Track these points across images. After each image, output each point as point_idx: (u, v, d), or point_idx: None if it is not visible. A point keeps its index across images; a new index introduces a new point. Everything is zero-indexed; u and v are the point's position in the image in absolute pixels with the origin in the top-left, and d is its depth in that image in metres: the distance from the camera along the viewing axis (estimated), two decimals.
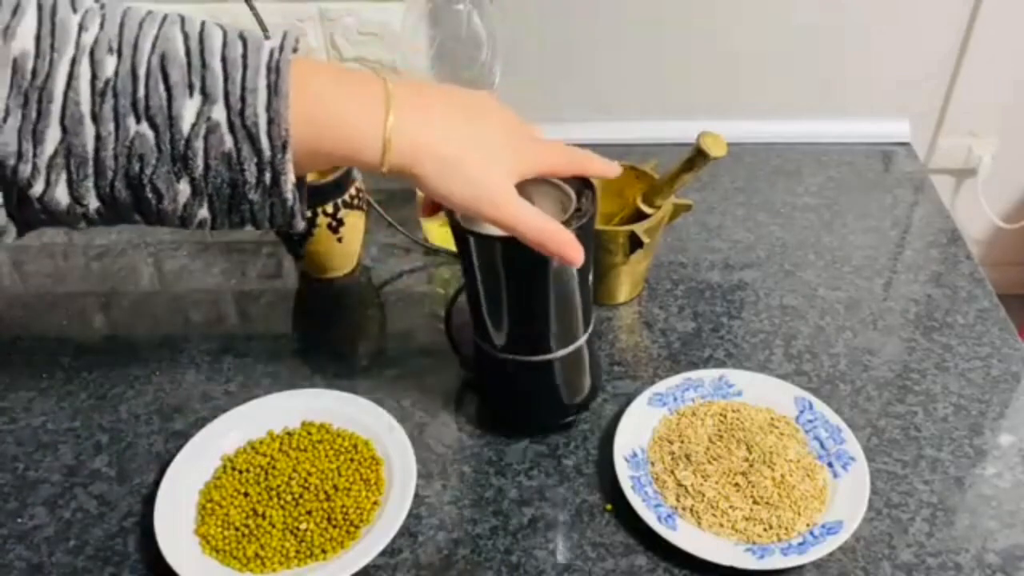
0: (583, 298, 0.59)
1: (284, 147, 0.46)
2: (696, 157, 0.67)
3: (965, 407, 0.67)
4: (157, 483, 0.61)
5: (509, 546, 0.59)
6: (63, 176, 0.45)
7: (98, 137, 0.45)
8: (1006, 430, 0.66)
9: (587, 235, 0.55)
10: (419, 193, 0.84)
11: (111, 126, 0.45)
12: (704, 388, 0.67)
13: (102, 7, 0.47)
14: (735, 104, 1.05)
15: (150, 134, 0.45)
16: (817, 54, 1.04)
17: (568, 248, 0.52)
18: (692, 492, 0.60)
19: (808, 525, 0.58)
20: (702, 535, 0.58)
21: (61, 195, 0.45)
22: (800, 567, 0.56)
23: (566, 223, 0.53)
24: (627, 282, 0.76)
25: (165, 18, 0.48)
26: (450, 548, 0.59)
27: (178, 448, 0.64)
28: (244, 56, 0.47)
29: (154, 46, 0.46)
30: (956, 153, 1.21)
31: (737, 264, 0.83)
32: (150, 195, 0.46)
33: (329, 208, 0.76)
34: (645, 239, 0.70)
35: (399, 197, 0.88)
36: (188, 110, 0.45)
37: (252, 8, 0.72)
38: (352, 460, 0.62)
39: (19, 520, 0.61)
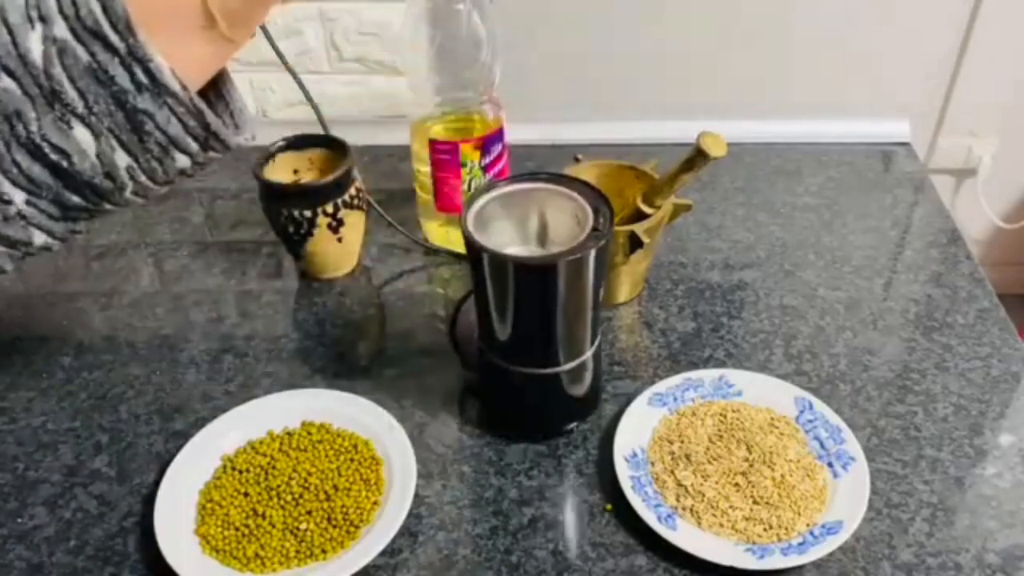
0: (593, 313, 0.60)
1: (130, 28, 0.43)
2: (696, 157, 0.67)
3: (965, 407, 0.67)
4: (157, 483, 0.61)
5: (509, 546, 0.59)
6: None
7: None
8: (1006, 430, 0.66)
9: (604, 255, 0.55)
10: (419, 194, 0.84)
11: None
12: (704, 388, 0.67)
13: None
14: (735, 104, 1.05)
15: (12, 84, 0.43)
16: (817, 54, 1.03)
17: None
18: (692, 492, 0.60)
19: (808, 525, 0.58)
20: (702, 535, 0.58)
21: None
22: (800, 567, 0.56)
23: (583, 244, 0.54)
24: (627, 282, 0.76)
25: None
26: (450, 548, 0.59)
27: (178, 448, 0.64)
28: None
29: None
30: (956, 153, 1.21)
31: (737, 264, 0.83)
32: (55, 156, 0.44)
33: (329, 208, 0.76)
34: (645, 239, 0.70)
35: (399, 197, 0.89)
36: (34, 42, 0.43)
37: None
38: (352, 460, 0.62)
39: (19, 520, 0.61)
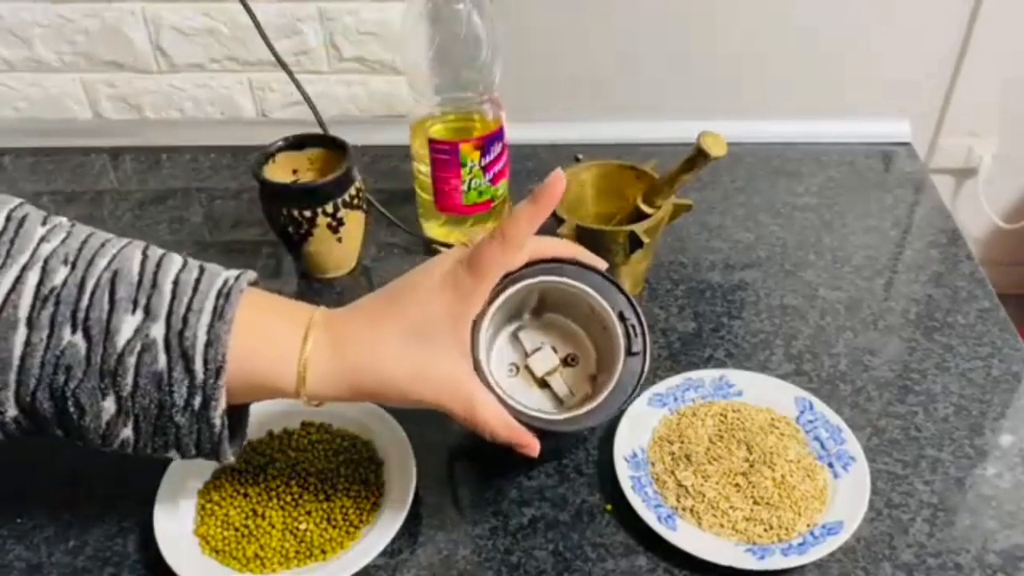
0: None
1: (219, 372, 0.45)
2: (696, 157, 0.67)
3: (965, 407, 0.67)
4: (157, 483, 0.61)
5: (509, 546, 0.59)
6: None
7: (27, 343, 0.44)
8: (1006, 430, 0.66)
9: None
10: (419, 194, 0.84)
11: (44, 333, 0.44)
12: (704, 388, 0.67)
13: (72, 225, 0.47)
14: (735, 104, 1.05)
15: (83, 345, 0.44)
16: (817, 54, 1.03)
17: (528, 449, 0.54)
18: (692, 492, 0.60)
19: (808, 525, 0.58)
20: (702, 535, 0.58)
21: None
22: (800, 567, 0.56)
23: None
24: (627, 282, 0.76)
25: (130, 242, 0.48)
26: (450, 548, 0.59)
27: None
28: (198, 280, 0.47)
29: (110, 263, 0.46)
30: (956, 153, 1.21)
31: (737, 264, 0.83)
32: (72, 409, 0.45)
33: (329, 208, 0.76)
34: (645, 239, 0.70)
35: (399, 197, 0.89)
36: (127, 324, 0.45)
37: (248, 9, 0.72)
38: (352, 460, 0.62)
39: (19, 520, 0.61)
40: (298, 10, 0.97)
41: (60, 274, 0.45)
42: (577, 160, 0.81)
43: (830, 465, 0.61)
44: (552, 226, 0.72)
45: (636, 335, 0.56)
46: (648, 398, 0.66)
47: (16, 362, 0.44)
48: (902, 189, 0.93)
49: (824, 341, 0.73)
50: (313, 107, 0.75)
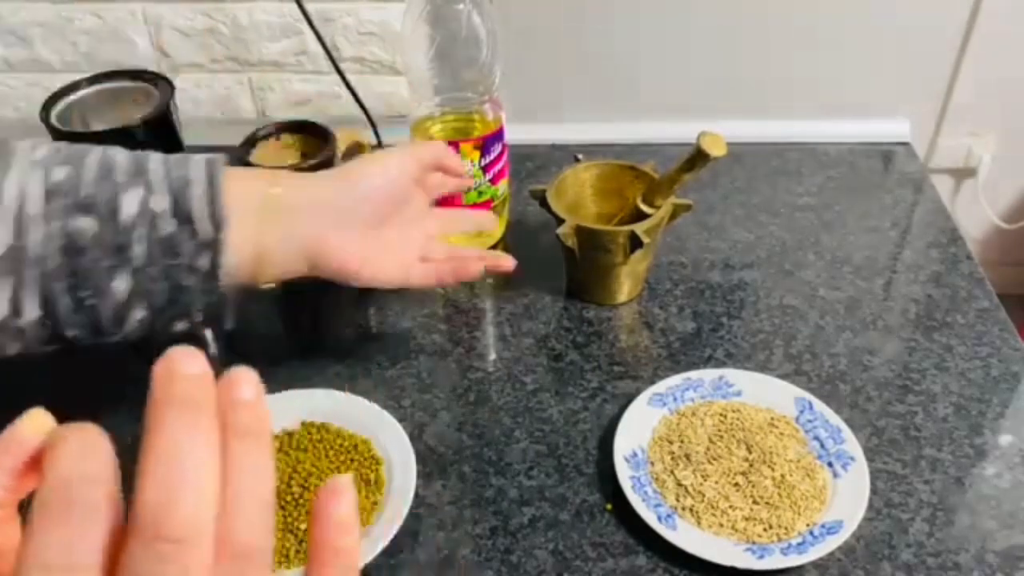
0: None
1: (221, 227, 0.50)
2: (696, 157, 0.67)
3: (965, 407, 0.67)
4: None
5: (509, 546, 0.59)
6: (7, 283, 0.47)
7: (47, 237, 0.47)
8: (1006, 430, 0.66)
9: None
10: None
11: (57, 224, 0.48)
12: (704, 388, 0.67)
13: (50, 141, 0.52)
14: (735, 104, 1.05)
15: (91, 225, 0.48)
16: (817, 54, 1.03)
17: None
18: (692, 492, 0.60)
19: (808, 525, 0.58)
20: (702, 535, 0.58)
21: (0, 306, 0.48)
22: (800, 567, 0.56)
23: None
24: (627, 282, 0.76)
25: (108, 147, 0.52)
26: (450, 548, 0.59)
27: None
28: (181, 160, 0.51)
29: (100, 159, 0.50)
30: (956, 153, 1.21)
31: (737, 264, 0.83)
32: (88, 294, 0.49)
33: None
34: (645, 239, 0.70)
35: None
36: (129, 201, 0.49)
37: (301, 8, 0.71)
38: (352, 460, 0.62)
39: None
40: (298, 10, 0.97)
41: (60, 172, 0.48)
42: (577, 160, 0.81)
43: (830, 465, 0.61)
44: (552, 225, 0.72)
45: None
46: (648, 398, 0.66)
47: (36, 257, 0.47)
48: (902, 189, 0.93)
49: (824, 341, 0.74)
50: (360, 102, 0.76)
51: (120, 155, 0.51)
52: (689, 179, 0.70)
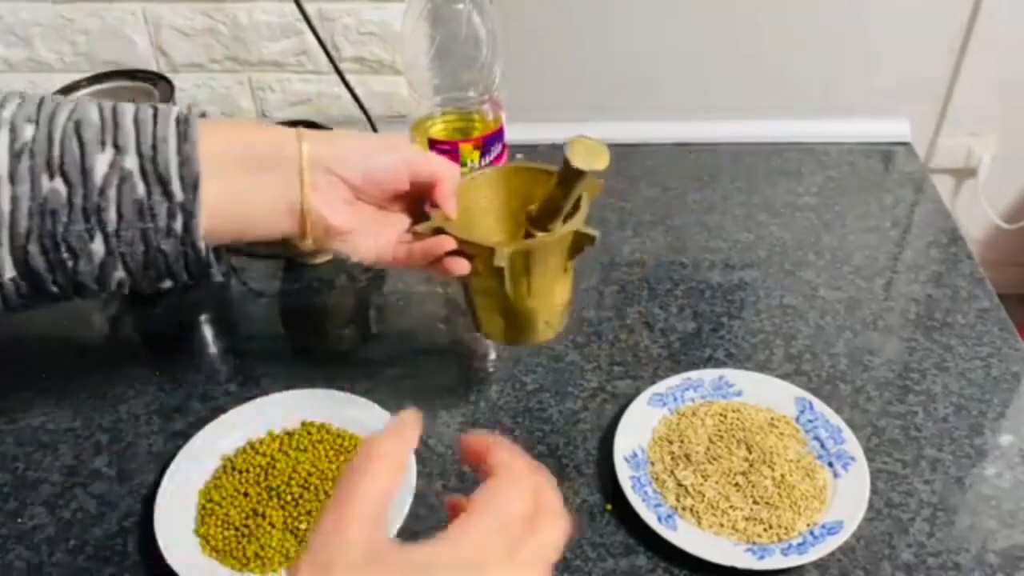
0: None
1: (194, 187, 0.48)
2: (567, 172, 0.53)
3: (965, 407, 0.67)
4: (157, 483, 0.61)
5: None
6: None
7: (13, 198, 0.46)
8: (1006, 430, 0.66)
9: None
10: None
11: (26, 186, 0.46)
12: (704, 388, 0.67)
13: (21, 95, 0.50)
14: (735, 104, 1.05)
15: (63, 188, 0.47)
16: (817, 54, 1.03)
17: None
18: (692, 492, 0.60)
19: (808, 525, 0.58)
20: (702, 535, 0.58)
21: None
22: (800, 567, 0.56)
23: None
24: (511, 319, 0.60)
25: (80, 99, 0.51)
26: None
27: (178, 448, 0.64)
28: (154, 116, 0.49)
29: (70, 115, 0.48)
30: (956, 153, 1.21)
31: (737, 264, 0.83)
32: (65, 256, 0.47)
33: None
34: (500, 263, 0.53)
35: None
36: (100, 162, 0.47)
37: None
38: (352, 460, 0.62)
39: (19, 520, 0.61)
40: (298, 10, 0.97)
41: (28, 131, 0.47)
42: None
43: (830, 465, 0.61)
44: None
45: None
46: (648, 398, 0.66)
47: (6, 218, 0.46)
48: (902, 189, 0.93)
49: (824, 341, 0.74)
50: (359, 102, 0.76)
51: (93, 112, 0.49)
52: (571, 199, 0.55)
